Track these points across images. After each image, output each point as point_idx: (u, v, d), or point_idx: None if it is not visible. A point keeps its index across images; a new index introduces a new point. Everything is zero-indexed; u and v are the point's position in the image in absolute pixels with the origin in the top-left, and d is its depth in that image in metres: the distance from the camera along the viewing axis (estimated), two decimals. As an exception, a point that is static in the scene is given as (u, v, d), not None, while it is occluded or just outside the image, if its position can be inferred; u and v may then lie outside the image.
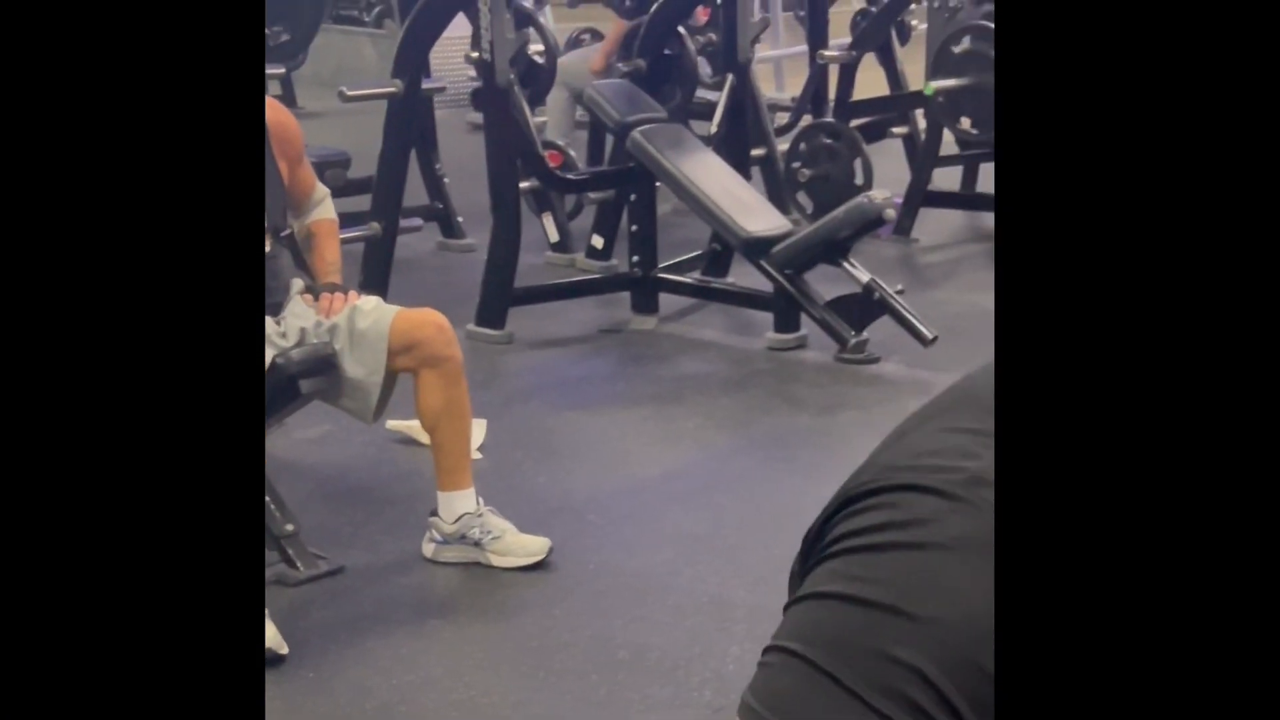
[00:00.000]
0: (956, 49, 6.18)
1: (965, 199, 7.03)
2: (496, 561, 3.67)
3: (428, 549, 3.72)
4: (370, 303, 3.67)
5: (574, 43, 8.68)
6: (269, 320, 3.55)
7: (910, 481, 0.85)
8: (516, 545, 3.68)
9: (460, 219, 6.77)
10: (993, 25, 6.17)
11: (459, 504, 3.67)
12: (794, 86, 8.95)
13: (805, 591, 0.87)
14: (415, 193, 6.36)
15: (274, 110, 3.74)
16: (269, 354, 3.43)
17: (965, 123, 6.30)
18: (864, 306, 5.08)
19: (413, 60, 6.02)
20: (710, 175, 5.49)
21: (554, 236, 6.40)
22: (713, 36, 7.42)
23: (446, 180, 6.74)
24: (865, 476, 0.88)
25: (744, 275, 5.61)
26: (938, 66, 6.25)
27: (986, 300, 5.81)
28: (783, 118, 7.72)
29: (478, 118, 9.01)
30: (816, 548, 0.89)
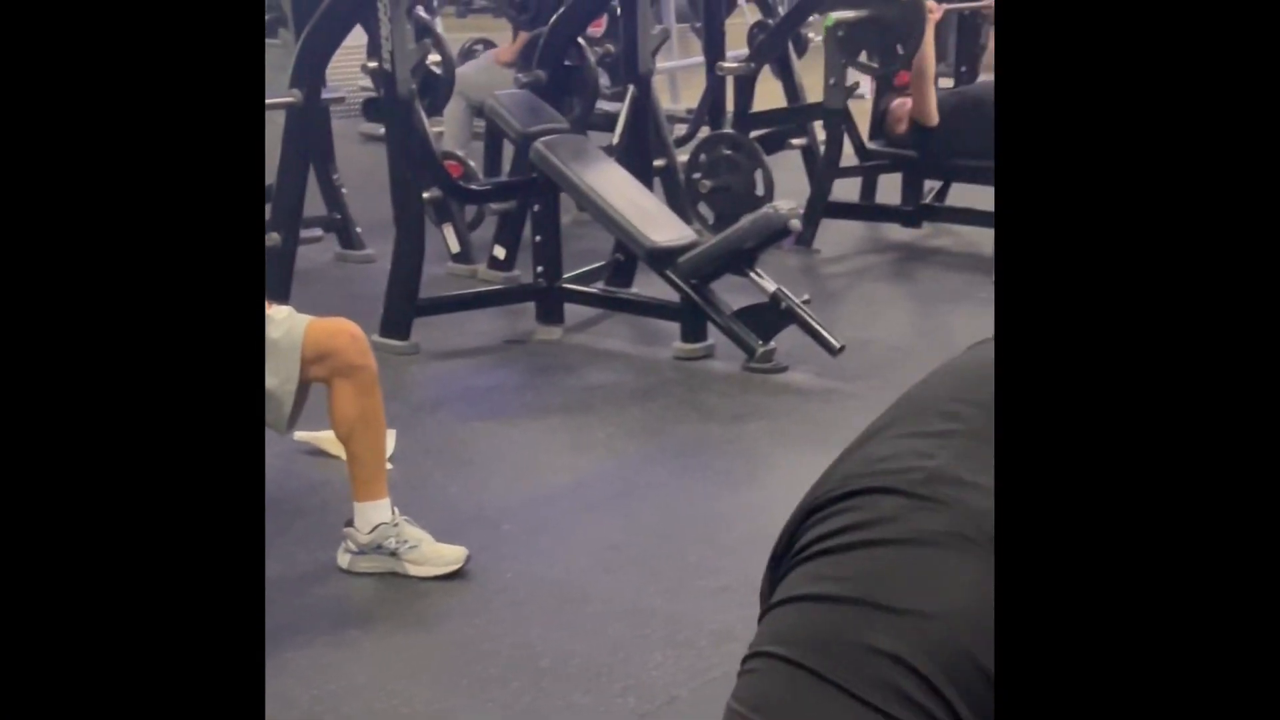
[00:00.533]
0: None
1: (865, 210, 7.09)
2: (413, 571, 3.65)
3: (343, 559, 3.69)
4: (282, 312, 3.64)
5: (467, 54, 8.65)
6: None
7: (871, 485, 0.86)
8: (433, 555, 3.66)
9: (359, 229, 6.72)
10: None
11: (374, 514, 3.65)
12: (689, 98, 8.99)
13: (779, 598, 0.87)
14: (311, 203, 6.31)
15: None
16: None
17: (864, 56, 6.35)
18: (771, 316, 5.11)
19: (312, 70, 5.98)
20: (614, 186, 5.50)
21: (455, 247, 6.37)
22: (610, 48, 7.44)
23: (344, 191, 6.70)
24: (826, 487, 0.89)
25: (648, 285, 5.63)
26: None
27: (890, 309, 5.90)
28: (680, 129, 7.75)
29: (370, 128, 9.01)
30: (785, 559, 0.90)
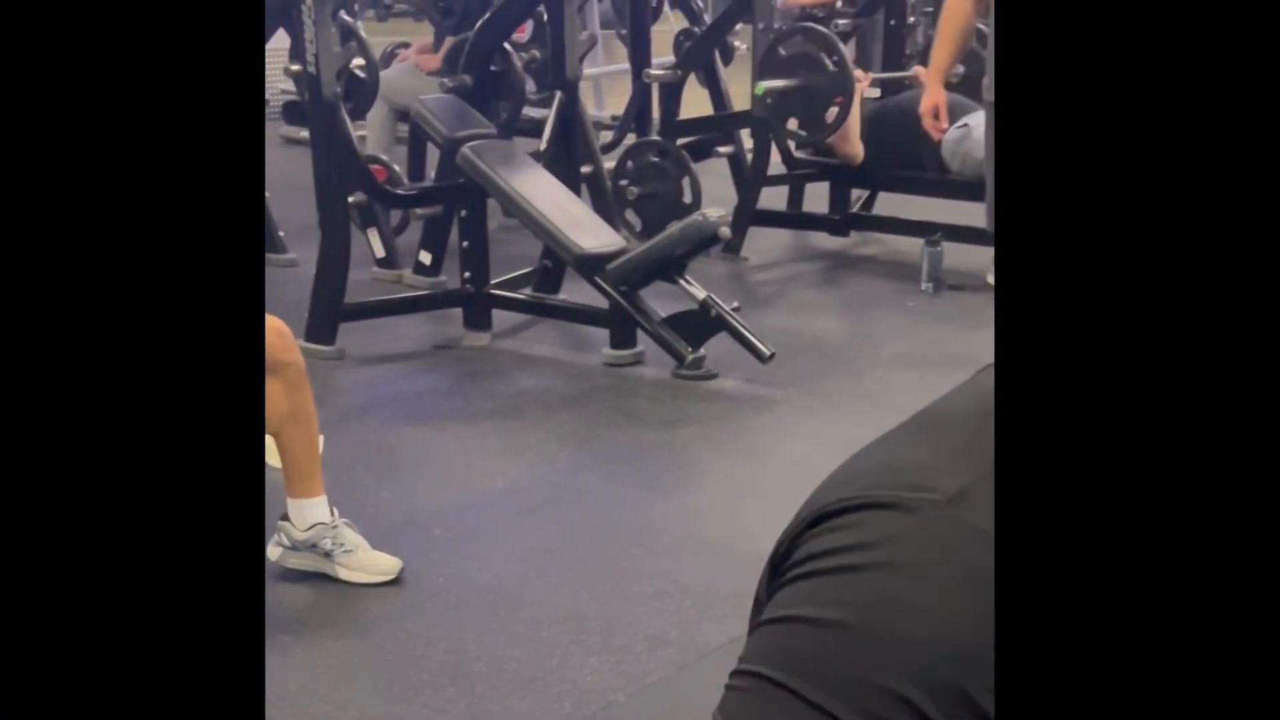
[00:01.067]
0: (784, 50, 6.25)
1: (793, 218, 7.11)
2: (345, 575, 3.60)
3: (274, 553, 3.63)
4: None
5: (387, 58, 8.60)
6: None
7: (879, 499, 0.84)
8: (368, 562, 3.62)
9: (282, 233, 6.65)
10: (819, 26, 6.28)
11: (312, 512, 3.60)
12: (614, 105, 8.98)
13: (775, 614, 0.85)
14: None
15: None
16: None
17: (793, 123, 6.37)
18: (700, 323, 5.10)
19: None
20: (543, 192, 5.48)
21: (379, 252, 6.32)
22: (536, 53, 7.41)
23: (266, 194, 6.62)
24: (835, 494, 0.87)
25: (576, 291, 5.60)
26: (765, 67, 6.31)
27: (819, 317, 5.91)
28: (605, 136, 7.73)
29: (291, 131, 8.94)
30: (784, 566, 0.87)
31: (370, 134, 7.47)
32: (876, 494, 0.85)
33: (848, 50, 6.42)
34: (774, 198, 6.98)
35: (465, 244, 5.65)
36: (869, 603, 0.81)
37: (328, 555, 3.59)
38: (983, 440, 0.85)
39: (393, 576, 3.60)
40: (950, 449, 0.87)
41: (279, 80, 8.45)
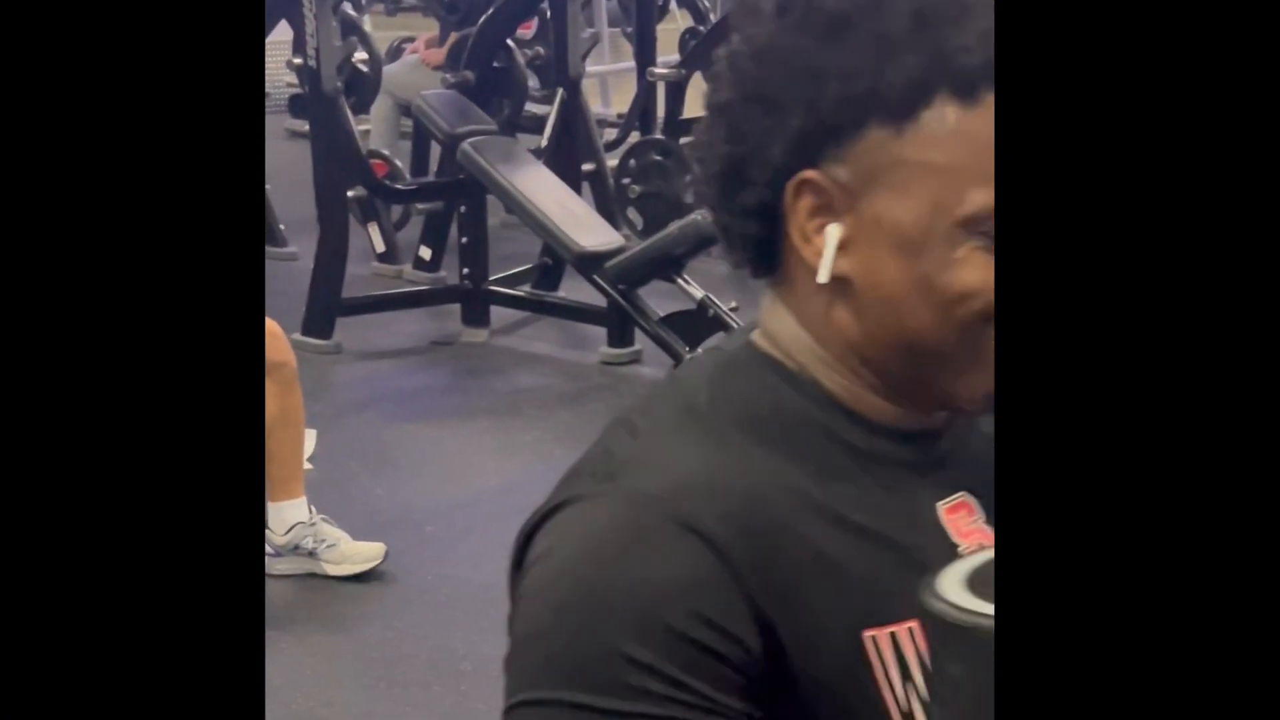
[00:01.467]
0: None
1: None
2: (331, 570, 3.59)
3: (259, 562, 3.62)
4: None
5: (395, 52, 8.59)
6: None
7: (559, 501, 0.94)
8: (351, 553, 3.61)
9: (282, 226, 6.63)
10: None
11: (291, 514, 3.59)
12: (620, 103, 8.96)
13: (513, 642, 0.93)
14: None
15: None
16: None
17: None
18: (698, 323, 5.06)
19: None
20: (543, 189, 5.46)
21: (380, 247, 6.31)
22: (540, 50, 7.39)
23: (268, 187, 6.60)
24: (538, 510, 0.95)
25: (575, 289, 5.58)
26: None
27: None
28: (610, 134, 7.71)
29: (296, 124, 8.93)
30: (517, 577, 0.96)
31: (374, 128, 7.46)
32: (558, 497, 0.94)
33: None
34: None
35: (465, 240, 5.64)
36: (568, 597, 0.89)
37: (311, 554, 3.58)
38: (656, 412, 0.96)
39: (378, 562, 3.59)
40: (629, 431, 0.96)
41: (284, 74, 8.46)
